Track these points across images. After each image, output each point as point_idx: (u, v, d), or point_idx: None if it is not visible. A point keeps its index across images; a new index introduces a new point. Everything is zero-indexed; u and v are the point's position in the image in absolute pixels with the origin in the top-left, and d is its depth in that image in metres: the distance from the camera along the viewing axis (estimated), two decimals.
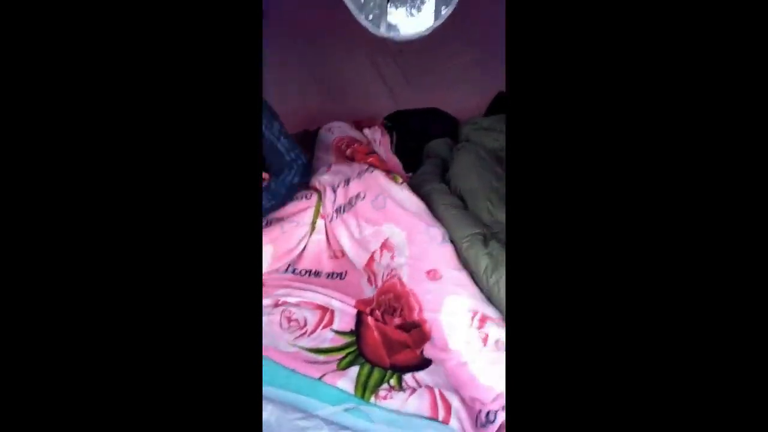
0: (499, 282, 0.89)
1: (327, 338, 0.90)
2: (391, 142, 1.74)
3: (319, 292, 1.00)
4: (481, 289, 0.92)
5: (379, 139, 1.67)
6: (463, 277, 0.94)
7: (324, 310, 0.97)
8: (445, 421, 0.71)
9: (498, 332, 0.83)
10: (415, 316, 0.91)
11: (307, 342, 0.89)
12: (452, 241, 1.01)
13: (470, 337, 0.83)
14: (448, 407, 0.73)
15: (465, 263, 0.97)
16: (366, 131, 1.66)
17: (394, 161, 1.63)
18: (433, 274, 0.95)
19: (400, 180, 1.19)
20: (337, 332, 0.92)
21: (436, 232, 1.02)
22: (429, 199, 1.19)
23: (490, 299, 0.90)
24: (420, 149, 1.66)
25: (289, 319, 0.94)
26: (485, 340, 0.83)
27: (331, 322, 0.95)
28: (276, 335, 0.88)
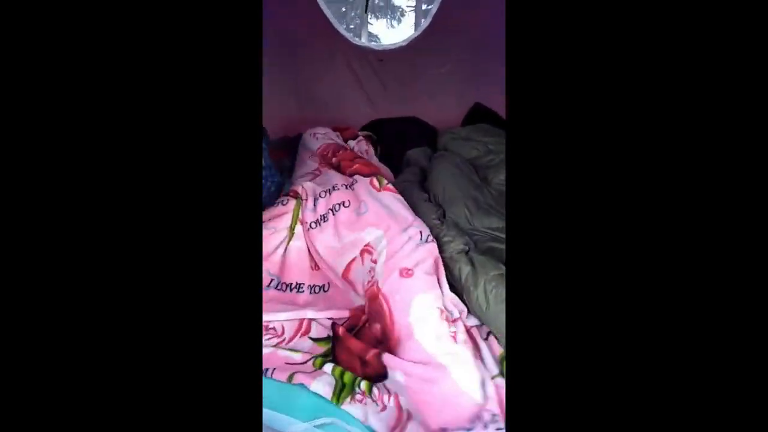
0: (483, 287, 0.89)
1: (305, 346, 0.89)
2: (376, 152, 1.75)
3: (300, 315, 0.97)
4: (465, 301, 0.91)
5: (365, 149, 1.66)
6: (434, 279, 0.90)
7: (301, 320, 0.95)
8: None
9: (462, 329, 0.82)
10: (387, 321, 0.87)
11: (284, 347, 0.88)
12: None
13: (440, 333, 0.80)
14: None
15: (450, 270, 0.96)
16: (351, 143, 1.64)
17: (384, 169, 1.63)
18: (405, 273, 0.90)
19: (385, 182, 1.17)
20: (315, 340, 0.90)
21: (415, 231, 0.99)
22: (416, 209, 1.19)
23: (472, 310, 0.89)
24: (400, 157, 1.67)
25: (266, 328, 0.92)
26: (455, 336, 0.80)
27: (308, 330, 0.93)
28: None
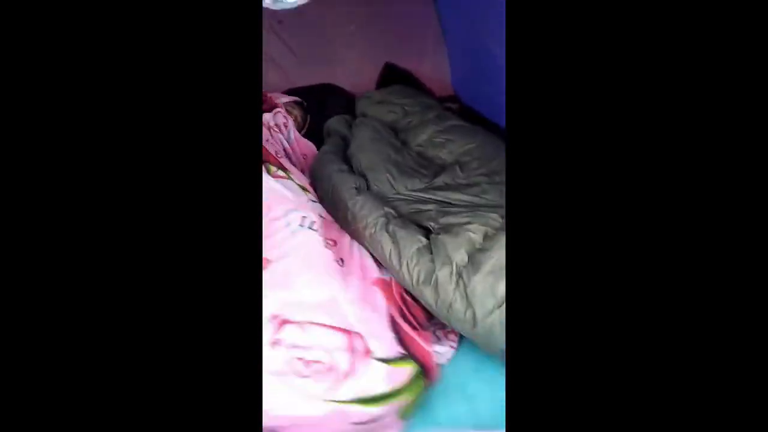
0: (407, 266, 0.92)
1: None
2: (305, 121, 1.65)
3: None
4: (395, 276, 0.93)
5: (282, 122, 1.54)
6: (293, 274, 0.81)
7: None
8: None
9: (296, 336, 0.73)
10: None
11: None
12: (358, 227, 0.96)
13: (265, 341, 0.72)
14: None
15: (374, 249, 0.98)
16: (266, 117, 1.49)
17: (306, 146, 1.54)
18: (264, 264, 0.81)
19: (274, 169, 1.11)
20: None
21: (295, 216, 0.91)
22: (332, 182, 1.19)
23: (402, 283, 0.92)
24: (320, 128, 1.62)
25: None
26: (273, 343, 0.73)
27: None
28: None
